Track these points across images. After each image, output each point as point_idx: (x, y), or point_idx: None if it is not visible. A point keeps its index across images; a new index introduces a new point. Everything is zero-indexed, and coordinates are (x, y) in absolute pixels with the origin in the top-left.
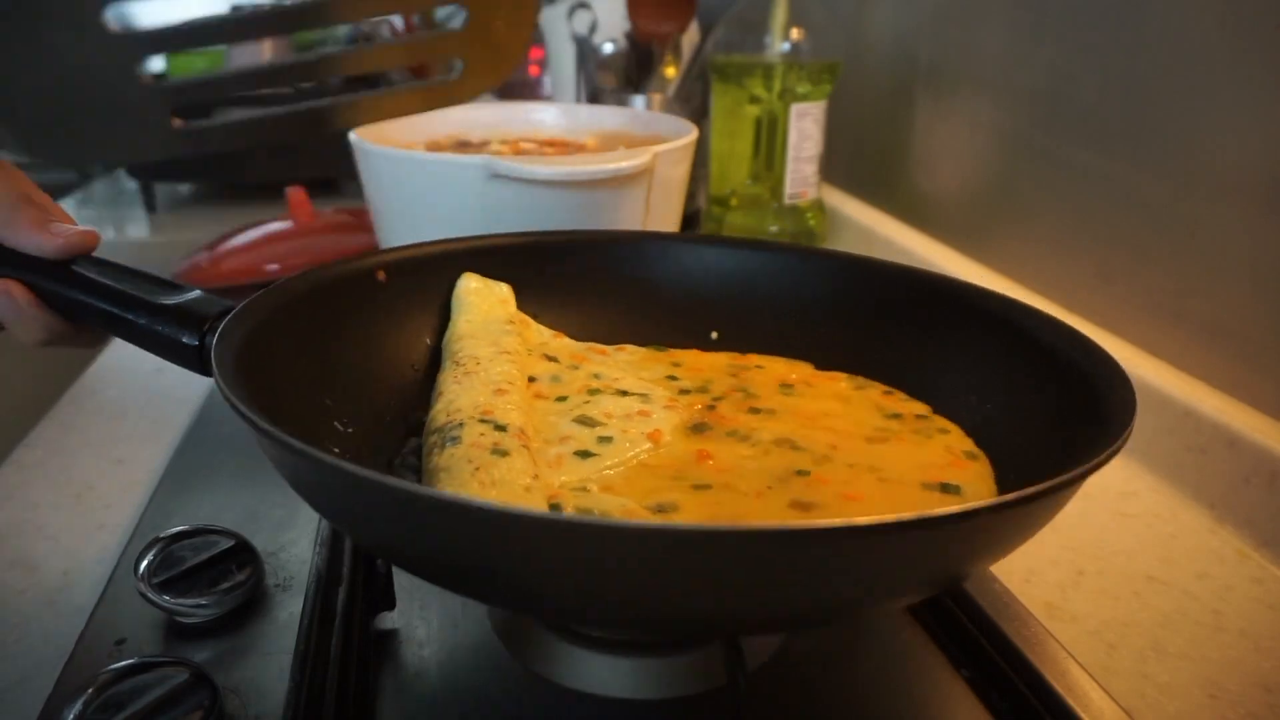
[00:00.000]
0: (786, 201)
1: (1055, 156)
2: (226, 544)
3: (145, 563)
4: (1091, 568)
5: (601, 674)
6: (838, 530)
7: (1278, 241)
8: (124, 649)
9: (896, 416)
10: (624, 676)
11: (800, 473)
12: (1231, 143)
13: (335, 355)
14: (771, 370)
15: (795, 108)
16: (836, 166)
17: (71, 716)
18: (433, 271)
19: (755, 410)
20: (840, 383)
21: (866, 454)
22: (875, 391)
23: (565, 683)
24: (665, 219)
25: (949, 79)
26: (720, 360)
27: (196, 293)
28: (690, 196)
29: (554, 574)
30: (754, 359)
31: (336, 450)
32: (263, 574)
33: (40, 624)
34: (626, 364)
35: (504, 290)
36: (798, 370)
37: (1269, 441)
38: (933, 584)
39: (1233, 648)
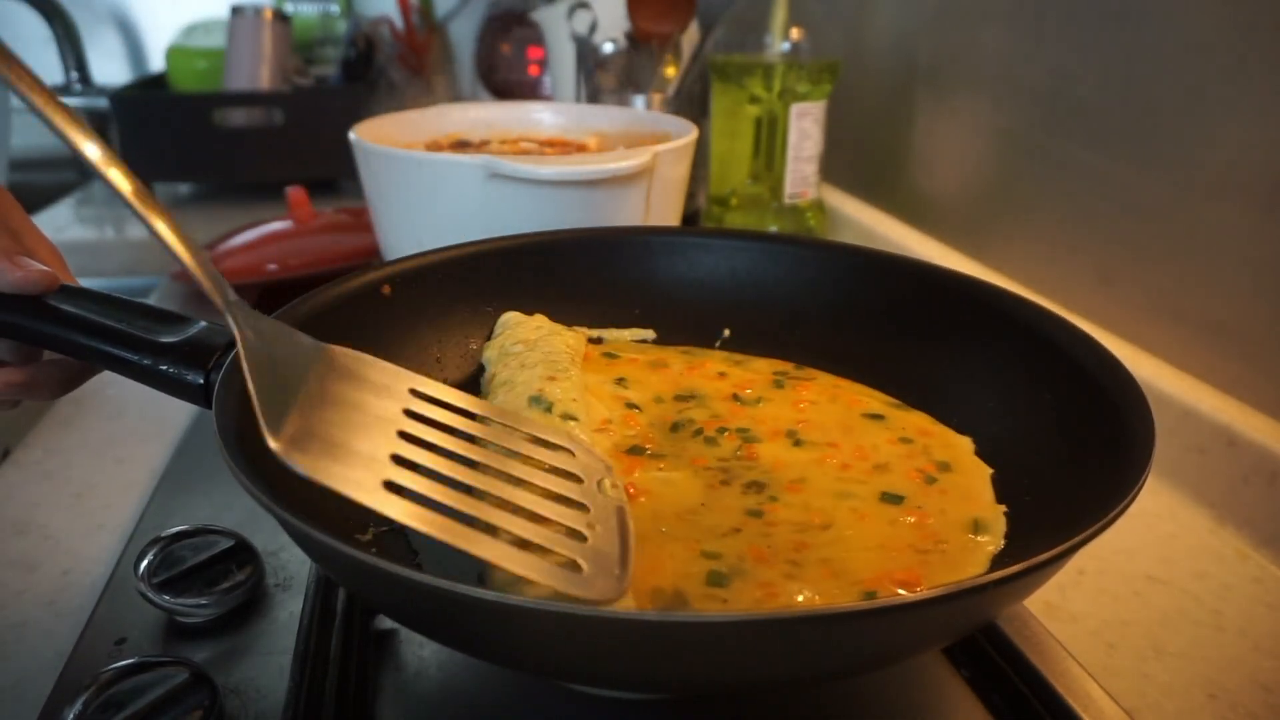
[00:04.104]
0: (786, 201)
1: (1055, 156)
2: (226, 544)
3: (145, 562)
4: (1091, 567)
5: None
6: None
7: (1278, 241)
8: (124, 649)
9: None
10: None
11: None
12: (1231, 143)
13: None
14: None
15: (795, 107)
16: (836, 166)
17: (71, 716)
18: (437, 280)
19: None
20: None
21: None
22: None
23: (564, 682)
24: (665, 219)
25: (949, 79)
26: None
27: (198, 326)
28: (690, 196)
29: (608, 661)
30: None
31: None
32: (263, 574)
33: (40, 624)
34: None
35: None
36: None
37: (1269, 441)
38: (967, 632)
39: (1233, 647)
